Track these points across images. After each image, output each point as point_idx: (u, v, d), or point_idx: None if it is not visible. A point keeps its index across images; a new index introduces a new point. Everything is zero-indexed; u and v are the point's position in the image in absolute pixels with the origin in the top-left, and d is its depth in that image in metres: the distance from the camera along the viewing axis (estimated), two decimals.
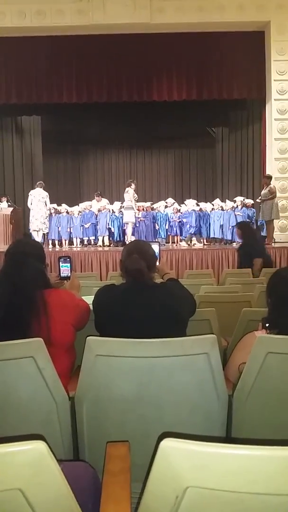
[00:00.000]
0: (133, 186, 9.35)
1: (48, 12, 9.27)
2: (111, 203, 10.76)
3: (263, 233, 9.68)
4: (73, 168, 14.54)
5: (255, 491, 0.65)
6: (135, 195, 9.45)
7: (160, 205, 10.60)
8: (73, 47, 9.69)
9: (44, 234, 9.92)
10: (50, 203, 9.92)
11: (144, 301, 1.69)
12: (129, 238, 9.27)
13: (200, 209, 10.28)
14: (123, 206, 9.53)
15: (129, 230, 9.43)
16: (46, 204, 9.53)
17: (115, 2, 9.10)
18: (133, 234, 9.71)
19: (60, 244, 10.28)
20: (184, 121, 12.37)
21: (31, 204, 9.44)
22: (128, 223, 9.43)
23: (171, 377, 1.39)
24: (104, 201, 10.51)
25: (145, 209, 10.43)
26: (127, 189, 9.27)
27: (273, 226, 9.10)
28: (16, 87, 9.92)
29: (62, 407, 1.47)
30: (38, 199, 9.40)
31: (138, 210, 10.15)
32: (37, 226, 9.37)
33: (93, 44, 9.66)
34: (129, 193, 9.21)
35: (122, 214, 10.27)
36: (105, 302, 1.76)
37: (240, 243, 5.57)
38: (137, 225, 10.02)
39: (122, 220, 10.12)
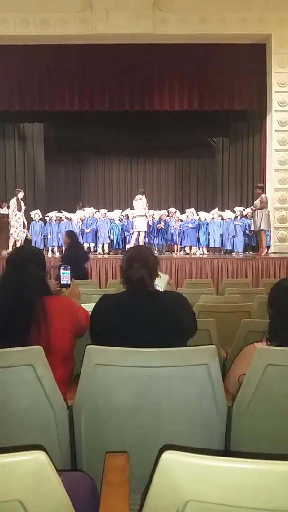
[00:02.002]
0: (144, 194, 9.38)
1: (51, 21, 9.37)
2: (111, 211, 10.80)
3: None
4: (74, 176, 14.61)
5: (256, 506, 0.65)
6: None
7: (162, 214, 10.64)
8: (76, 56, 9.78)
9: (44, 240, 9.92)
10: (51, 211, 9.87)
11: (145, 309, 1.67)
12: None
13: (199, 218, 10.34)
14: (133, 215, 9.45)
15: (141, 238, 9.35)
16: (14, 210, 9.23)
17: (119, 12, 9.20)
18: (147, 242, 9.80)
19: (60, 251, 10.27)
20: (185, 131, 12.46)
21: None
22: (140, 232, 9.34)
23: (171, 387, 1.38)
24: (88, 210, 10.52)
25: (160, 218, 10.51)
26: (139, 196, 9.23)
27: (264, 236, 9.11)
28: (18, 94, 10.00)
29: (61, 415, 1.46)
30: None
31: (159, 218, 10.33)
32: (18, 234, 9.07)
33: (96, 53, 9.75)
34: (143, 201, 9.19)
35: (122, 222, 10.31)
36: (105, 312, 1.73)
37: (66, 248, 6.55)
38: (153, 234, 10.08)
39: (122, 228, 10.15)
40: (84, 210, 10.53)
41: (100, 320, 1.73)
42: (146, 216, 9.37)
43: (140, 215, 9.18)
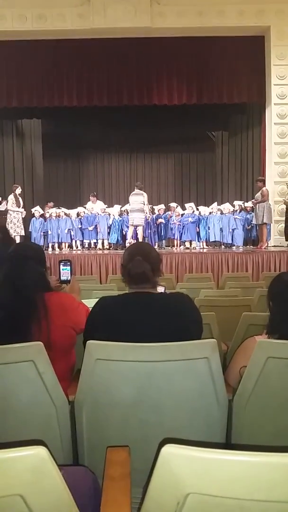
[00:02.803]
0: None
1: (49, 16, 9.31)
2: (111, 206, 10.78)
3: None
4: (73, 172, 14.58)
5: (256, 498, 0.65)
6: None
7: (160, 208, 10.63)
8: (73, 51, 9.73)
9: (44, 236, 9.94)
10: (52, 207, 9.88)
11: (147, 316, 1.56)
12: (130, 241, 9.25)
13: (200, 213, 10.33)
14: (133, 209, 9.35)
15: (140, 233, 9.33)
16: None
17: (116, 6, 9.14)
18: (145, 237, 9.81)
19: (60, 247, 10.30)
20: (184, 125, 12.42)
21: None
22: (138, 226, 9.31)
23: (171, 381, 1.39)
24: (99, 203, 10.50)
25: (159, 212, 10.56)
26: (140, 191, 9.14)
27: (265, 230, 9.11)
28: (16, 90, 9.96)
29: (62, 411, 1.47)
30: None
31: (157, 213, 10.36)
32: (15, 231, 9.15)
33: (94, 48, 9.70)
34: (144, 197, 9.15)
35: (122, 217, 10.30)
36: (101, 319, 1.61)
37: None
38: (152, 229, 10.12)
39: (122, 223, 10.14)
40: (96, 201, 10.47)
41: (97, 321, 1.62)
42: (145, 211, 9.34)
43: (139, 210, 9.14)
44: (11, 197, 9.17)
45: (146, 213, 9.45)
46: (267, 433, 1.48)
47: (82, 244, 10.47)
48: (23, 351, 1.40)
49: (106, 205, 10.58)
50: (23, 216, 9.55)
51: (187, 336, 1.45)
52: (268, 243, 9.21)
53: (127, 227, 10.16)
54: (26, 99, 10.04)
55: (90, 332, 1.59)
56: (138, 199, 9.11)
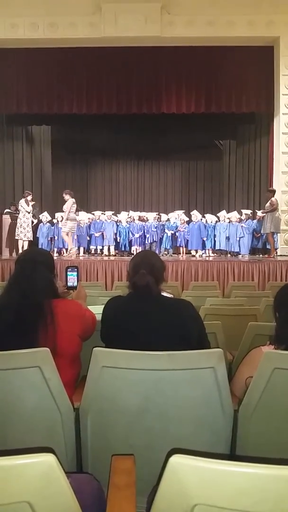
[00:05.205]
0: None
1: (60, 25, 9.42)
2: (118, 213, 10.83)
3: (268, 246, 9.69)
4: (81, 178, 14.65)
5: (263, 511, 0.65)
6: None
7: (171, 216, 10.60)
8: (84, 59, 9.83)
9: (51, 242, 9.99)
10: (58, 212, 9.94)
11: (150, 314, 1.69)
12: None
13: (206, 221, 10.33)
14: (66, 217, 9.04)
15: (70, 240, 9.23)
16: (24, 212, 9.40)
17: (127, 15, 9.23)
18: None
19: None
20: (192, 133, 12.46)
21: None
22: (69, 233, 9.15)
23: (177, 390, 1.38)
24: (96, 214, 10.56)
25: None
26: (68, 197, 8.87)
27: (273, 239, 9.13)
28: (27, 97, 10.07)
29: (67, 418, 1.47)
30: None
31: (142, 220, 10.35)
32: (25, 235, 9.28)
33: (104, 56, 9.80)
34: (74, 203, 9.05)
35: (129, 224, 10.35)
36: (112, 313, 1.76)
37: None
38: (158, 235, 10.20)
39: (129, 230, 10.19)
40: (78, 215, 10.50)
41: (109, 321, 1.75)
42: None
43: (74, 219, 9.03)
44: (21, 203, 9.30)
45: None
46: (273, 444, 1.47)
47: (88, 250, 10.50)
48: (29, 356, 1.41)
49: (101, 212, 10.62)
50: (34, 222, 9.65)
51: (186, 335, 1.62)
52: (276, 252, 9.21)
53: (133, 234, 10.20)
54: (36, 106, 10.14)
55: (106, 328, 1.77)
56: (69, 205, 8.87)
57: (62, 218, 9.22)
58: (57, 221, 10.14)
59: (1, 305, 1.64)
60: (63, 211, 9.09)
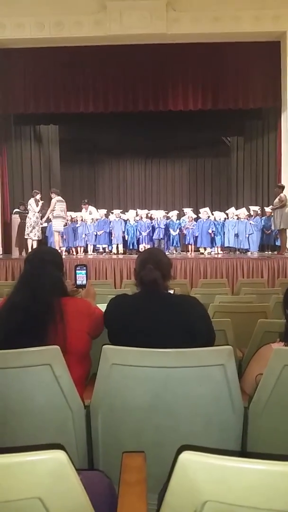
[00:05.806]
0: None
1: (66, 23, 9.43)
2: (126, 211, 10.84)
3: (277, 243, 9.63)
4: (89, 176, 14.68)
5: (274, 508, 0.64)
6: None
7: (173, 214, 10.59)
8: (90, 58, 9.83)
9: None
10: (68, 211, 10.01)
11: (157, 310, 1.68)
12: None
13: (215, 218, 10.29)
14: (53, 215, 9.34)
15: (57, 239, 9.40)
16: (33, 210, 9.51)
17: (132, 13, 9.21)
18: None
19: (76, 252, 10.41)
20: (199, 130, 12.41)
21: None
22: (57, 232, 9.43)
23: (187, 387, 1.38)
24: (92, 209, 10.63)
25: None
26: (58, 197, 9.27)
27: (285, 235, 9.07)
28: (34, 97, 10.10)
29: (78, 415, 1.48)
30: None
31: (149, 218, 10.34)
32: (35, 235, 9.38)
33: (110, 55, 9.78)
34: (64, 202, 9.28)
35: (137, 222, 10.36)
36: (118, 312, 1.75)
37: None
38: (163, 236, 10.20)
39: (137, 228, 10.20)
40: (87, 209, 10.57)
41: (112, 319, 1.76)
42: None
43: (59, 216, 9.22)
44: (30, 202, 9.37)
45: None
46: (284, 441, 1.46)
47: (97, 249, 10.54)
48: (40, 354, 1.42)
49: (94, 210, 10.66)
50: (43, 223, 9.72)
51: (193, 332, 1.61)
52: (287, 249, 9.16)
53: (141, 232, 10.21)
54: (43, 105, 10.17)
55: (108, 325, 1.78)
56: (60, 205, 9.23)
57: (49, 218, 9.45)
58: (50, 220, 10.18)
59: (11, 304, 1.65)
60: (71, 211, 9.17)
